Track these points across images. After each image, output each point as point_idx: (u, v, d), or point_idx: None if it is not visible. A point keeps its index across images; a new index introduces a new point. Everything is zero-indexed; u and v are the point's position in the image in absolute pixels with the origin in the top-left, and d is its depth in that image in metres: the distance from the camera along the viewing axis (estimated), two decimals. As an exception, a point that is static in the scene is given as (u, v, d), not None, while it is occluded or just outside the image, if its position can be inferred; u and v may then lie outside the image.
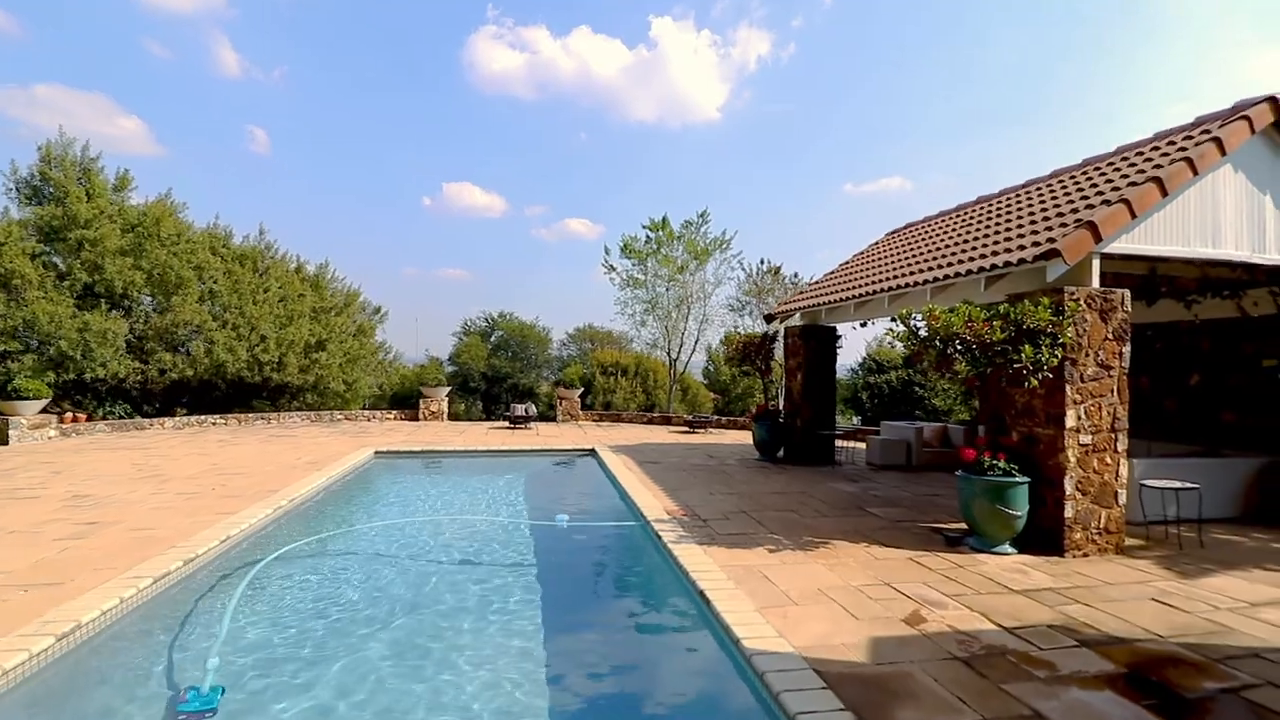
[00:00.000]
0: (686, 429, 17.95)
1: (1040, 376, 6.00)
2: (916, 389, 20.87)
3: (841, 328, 12.30)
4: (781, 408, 13.06)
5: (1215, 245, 6.76)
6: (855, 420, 22.54)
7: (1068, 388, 6.23)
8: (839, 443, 12.75)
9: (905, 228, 12.99)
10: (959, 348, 6.19)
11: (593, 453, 12.89)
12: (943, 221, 11.27)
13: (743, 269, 21.97)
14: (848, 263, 13.17)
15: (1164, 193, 6.39)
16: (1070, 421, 6.23)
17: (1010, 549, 6.27)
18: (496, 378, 32.46)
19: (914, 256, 9.82)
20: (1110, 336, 6.37)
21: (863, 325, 12.10)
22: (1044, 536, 6.33)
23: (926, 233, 11.19)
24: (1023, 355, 5.88)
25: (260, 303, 19.47)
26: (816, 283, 13.16)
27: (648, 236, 22.91)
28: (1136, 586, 5.34)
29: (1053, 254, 6.09)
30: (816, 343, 12.11)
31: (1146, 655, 4.00)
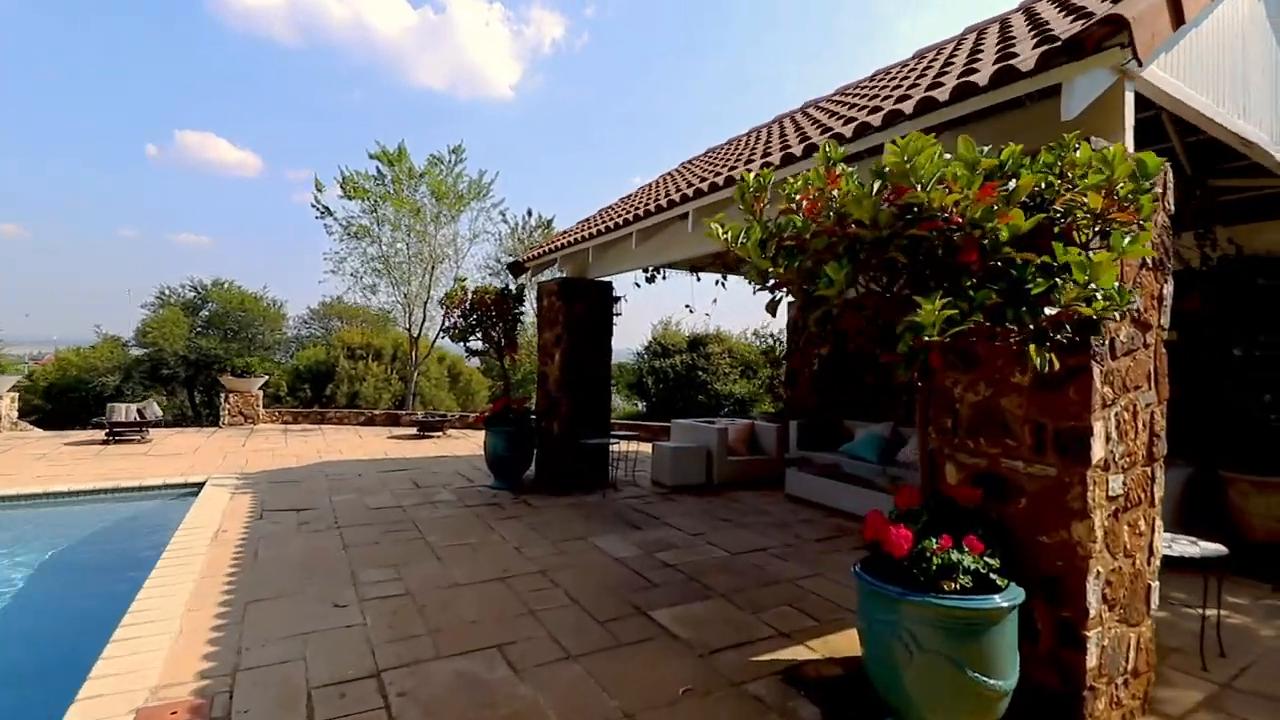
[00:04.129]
0: (416, 433, 12.86)
1: (1098, 342, 2.34)
2: (700, 373, 18.41)
3: (623, 285, 8.36)
4: (535, 404, 8.75)
5: (1245, 115, 3.82)
6: (640, 406, 19.35)
7: (1095, 370, 2.72)
8: (615, 446, 8.83)
9: (728, 142, 9.20)
10: (904, 255, 2.25)
11: (198, 492, 7.28)
12: (782, 121, 7.75)
13: (505, 222, 17.27)
14: (629, 196, 9.22)
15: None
16: (1098, 448, 2.73)
17: (983, 762, 2.60)
18: (204, 362, 23.86)
19: (744, 153, 6.03)
20: (1148, 263, 3.01)
21: (650, 279, 8.25)
22: (1033, 705, 2.79)
23: (763, 133, 7.56)
24: (1068, 277, 2.13)
25: None
26: (586, 220, 9.02)
27: (378, 171, 17.03)
28: None
29: (1110, 29, 2.44)
30: (584, 305, 7.98)
31: None
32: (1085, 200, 2.24)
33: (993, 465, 3.02)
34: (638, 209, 5.85)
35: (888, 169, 2.06)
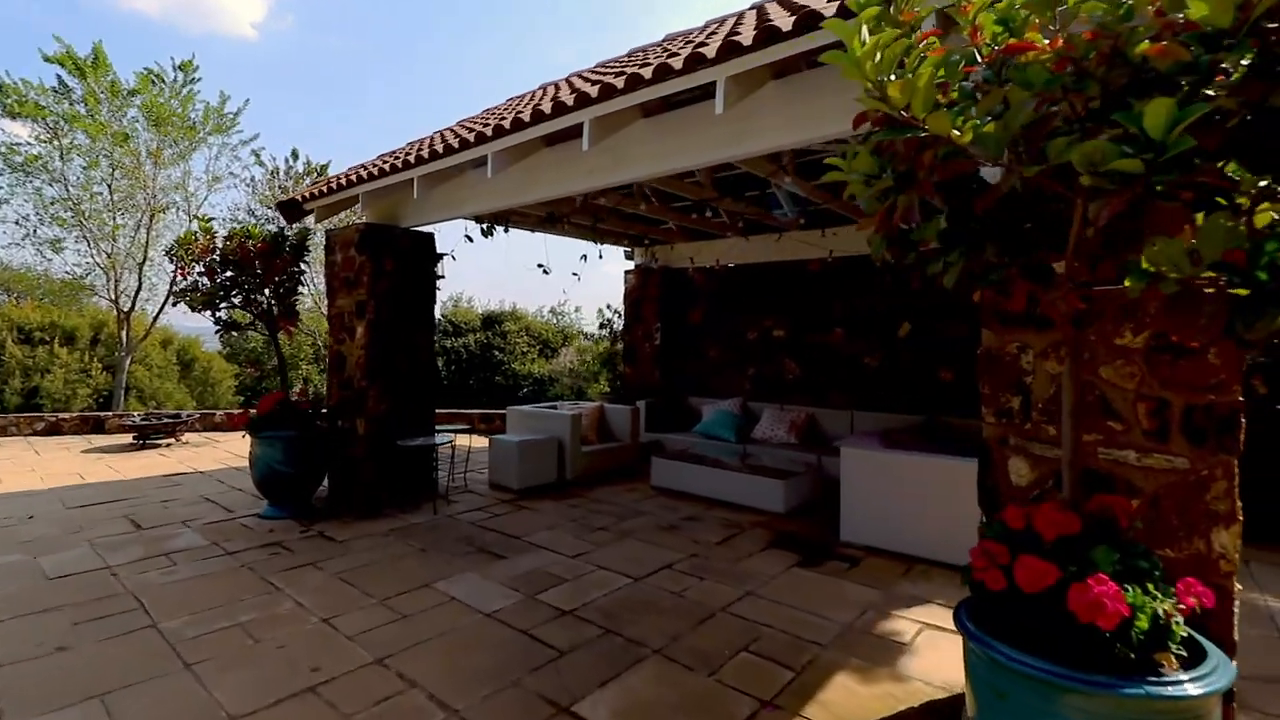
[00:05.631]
0: (134, 442, 9.36)
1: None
2: (496, 353, 16.84)
3: (450, 238, 6.52)
4: (327, 395, 6.53)
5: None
6: (429, 389, 16.98)
7: (1252, 325, 2.01)
8: (450, 441, 7.01)
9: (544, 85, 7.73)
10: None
11: None
12: (559, 83, 6.45)
13: (261, 164, 13.62)
14: (448, 127, 7.30)
15: None
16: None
17: None
18: None
19: (658, 50, 4.65)
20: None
21: (488, 231, 6.59)
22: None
23: (561, 85, 6.19)
24: None
25: None
26: (397, 150, 6.93)
27: (60, 82, 12.23)
28: None
29: None
30: (397, 261, 6.02)
31: None
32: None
33: (1100, 461, 2.22)
34: (498, 119, 4.20)
35: None
